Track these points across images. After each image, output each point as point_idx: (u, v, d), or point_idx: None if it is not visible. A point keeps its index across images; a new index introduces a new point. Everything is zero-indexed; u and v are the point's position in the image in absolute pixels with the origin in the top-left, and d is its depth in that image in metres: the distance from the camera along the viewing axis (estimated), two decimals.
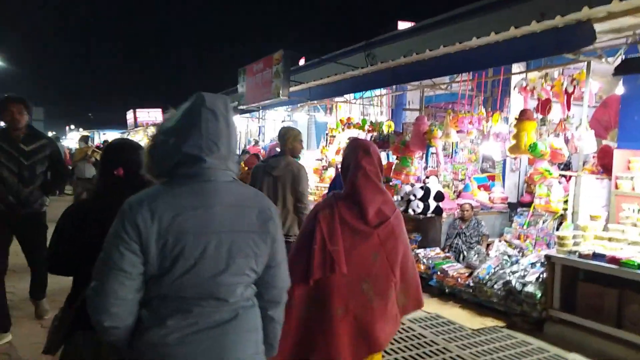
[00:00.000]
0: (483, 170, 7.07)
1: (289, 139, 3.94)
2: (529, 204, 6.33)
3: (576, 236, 4.23)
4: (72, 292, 1.91)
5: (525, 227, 6.10)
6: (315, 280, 2.13)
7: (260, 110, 10.69)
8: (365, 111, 9.66)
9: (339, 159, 8.16)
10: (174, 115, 1.49)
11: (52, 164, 3.96)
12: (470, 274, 5.06)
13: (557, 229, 5.79)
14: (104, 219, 1.60)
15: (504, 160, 6.88)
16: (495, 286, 4.68)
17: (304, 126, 12.40)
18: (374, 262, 2.19)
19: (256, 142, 12.62)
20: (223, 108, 1.46)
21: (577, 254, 4.06)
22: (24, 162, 3.78)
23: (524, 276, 4.55)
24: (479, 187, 6.72)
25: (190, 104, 1.46)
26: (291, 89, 8.07)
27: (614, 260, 3.77)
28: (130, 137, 24.19)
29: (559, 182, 4.82)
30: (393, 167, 6.25)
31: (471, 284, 4.94)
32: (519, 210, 6.60)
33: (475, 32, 5.03)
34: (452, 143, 6.29)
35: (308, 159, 7.83)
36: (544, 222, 5.98)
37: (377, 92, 8.88)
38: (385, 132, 6.73)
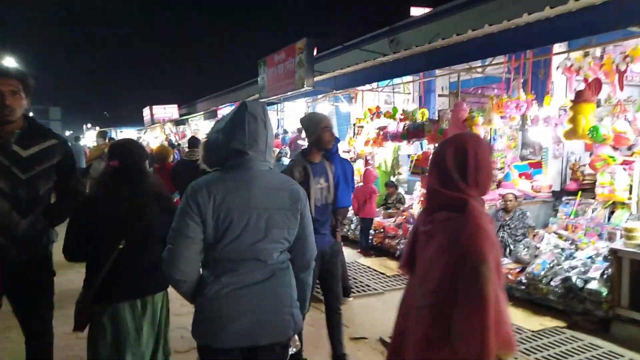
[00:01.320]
0: (523, 158, 6.67)
1: (311, 127, 3.19)
2: (574, 192, 5.95)
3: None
4: (87, 276, 2.23)
5: (572, 216, 5.73)
6: None
7: (280, 103, 10.36)
8: (390, 99, 9.29)
9: (368, 150, 7.83)
10: (225, 117, 1.89)
11: (62, 178, 2.55)
12: (523, 270, 4.72)
13: (609, 219, 5.44)
14: (106, 211, 2.17)
15: (546, 147, 6.47)
16: (552, 283, 4.34)
17: (332, 115, 12.08)
18: (430, 265, 1.78)
19: (276, 135, 12.34)
20: (262, 112, 1.85)
21: None
22: (19, 175, 2.36)
23: (585, 272, 4.19)
24: (520, 176, 6.34)
25: (236, 109, 1.84)
26: (315, 79, 7.74)
27: None
28: (148, 134, 23.93)
29: (624, 169, 4.43)
30: (430, 157, 5.89)
31: (524, 281, 4.60)
32: (564, 199, 6.21)
33: (510, 13, 4.65)
34: (491, 130, 5.90)
35: None
36: (593, 211, 5.59)
37: (404, 78, 8.49)
38: (419, 120, 6.36)
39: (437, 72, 7.76)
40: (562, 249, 4.81)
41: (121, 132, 33.16)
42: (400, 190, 7.92)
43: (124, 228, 2.17)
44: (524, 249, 5.02)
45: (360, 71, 7.43)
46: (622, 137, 4.01)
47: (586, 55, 4.96)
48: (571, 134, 4.29)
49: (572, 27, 4.04)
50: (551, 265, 4.48)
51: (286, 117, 14.32)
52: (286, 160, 8.43)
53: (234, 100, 12.73)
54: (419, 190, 8.02)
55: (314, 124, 3.19)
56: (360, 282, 5.46)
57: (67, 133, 34.84)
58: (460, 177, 1.66)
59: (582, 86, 5.04)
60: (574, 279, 4.15)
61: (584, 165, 6.06)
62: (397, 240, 6.43)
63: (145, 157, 2.42)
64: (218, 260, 1.77)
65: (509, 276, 4.73)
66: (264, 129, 1.84)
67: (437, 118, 6.05)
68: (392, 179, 8.25)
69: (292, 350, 1.97)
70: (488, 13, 7.08)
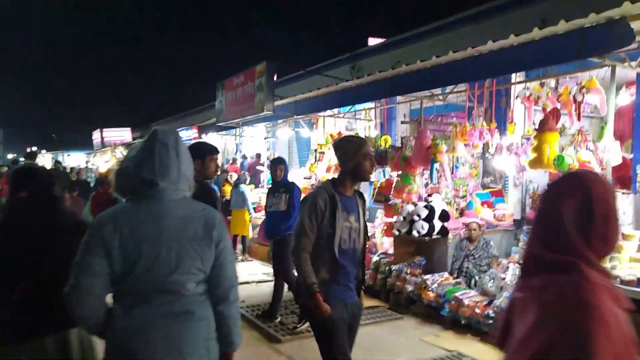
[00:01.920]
0: (484, 186, 6.65)
1: (348, 153, 2.61)
2: None
3: (612, 258, 3.79)
4: None
5: None
6: None
7: (239, 127, 10.06)
8: (350, 126, 9.20)
9: (329, 176, 7.62)
10: (137, 146, 1.88)
11: None
12: (490, 303, 4.55)
13: None
14: (14, 234, 2.05)
15: (507, 175, 6.49)
16: None
17: (285, 143, 11.85)
18: (519, 348, 1.28)
19: (234, 160, 11.96)
20: (173, 141, 1.83)
21: (617, 279, 3.61)
22: None
23: None
24: (482, 204, 6.29)
25: (147, 138, 1.83)
26: (275, 103, 7.52)
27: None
28: (97, 158, 22.85)
29: None
30: (394, 185, 5.74)
31: (491, 315, 4.43)
32: (525, 227, 6.20)
33: (474, 40, 4.65)
34: (454, 157, 5.85)
35: (295, 178, 7.24)
36: None
37: (366, 105, 8.43)
38: (381, 147, 6.23)
39: (399, 99, 7.75)
40: None
41: (69, 155, 31.53)
42: None
43: (34, 262, 2.04)
44: (489, 280, 4.88)
45: (322, 96, 7.30)
46: (586, 167, 3.99)
47: (542, 85, 5.01)
48: (536, 163, 4.24)
49: (535, 55, 4.04)
50: None
51: (245, 141, 13.99)
52: (245, 188, 8.06)
53: (191, 124, 12.30)
54: (380, 218, 7.88)
55: (352, 150, 2.60)
56: None
57: (10, 156, 32.74)
58: (581, 237, 1.20)
59: (539, 116, 5.10)
60: None
61: None
62: None
63: (54, 183, 2.30)
64: (128, 293, 1.73)
65: (476, 309, 4.55)
66: (177, 158, 1.81)
67: (400, 145, 5.93)
68: None
69: None
70: (452, 41, 7.18)
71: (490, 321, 4.40)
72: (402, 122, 6.73)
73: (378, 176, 8.25)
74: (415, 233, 5.50)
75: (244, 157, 12.83)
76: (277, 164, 5.02)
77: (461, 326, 4.67)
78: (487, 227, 5.88)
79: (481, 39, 4.33)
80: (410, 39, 8.22)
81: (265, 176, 10.84)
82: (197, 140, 7.12)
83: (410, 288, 5.36)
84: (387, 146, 6.13)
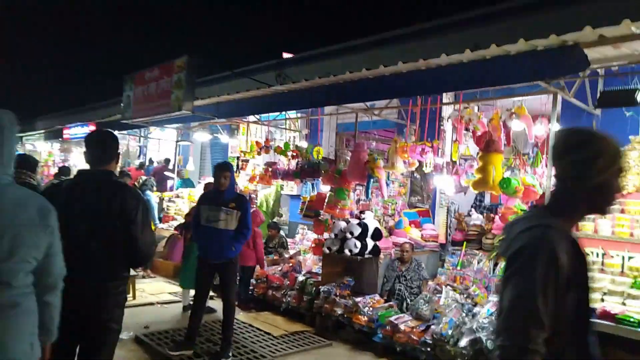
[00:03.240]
0: (411, 205, 6.56)
1: (602, 161, 1.39)
2: (460, 243, 5.94)
3: None
4: None
5: (459, 267, 5.66)
6: None
7: (144, 128, 9.05)
8: (272, 135, 8.72)
9: (252, 187, 7.03)
10: None
11: None
12: (427, 328, 4.31)
13: (494, 270, 5.47)
14: None
15: (434, 195, 6.46)
16: (460, 344, 3.99)
17: (199, 148, 10.99)
18: None
19: (141, 165, 10.77)
20: (7, 122, 1.77)
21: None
22: None
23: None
24: (409, 224, 6.16)
25: None
26: (195, 103, 6.78)
27: (606, 315, 3.30)
28: None
29: None
30: (326, 200, 5.36)
31: (429, 341, 4.19)
32: (450, 249, 6.19)
33: (408, 57, 4.54)
34: (389, 174, 5.65)
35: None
36: (479, 262, 5.59)
37: (291, 114, 8.03)
38: (313, 158, 5.83)
39: (328, 110, 7.47)
40: (462, 304, 4.56)
41: None
42: (282, 233, 7.24)
43: None
44: (424, 304, 4.67)
45: (246, 100, 6.75)
46: (531, 191, 3.95)
47: (466, 108, 5.02)
48: (480, 184, 4.13)
49: (485, 75, 3.95)
50: (457, 323, 4.16)
51: (150, 145, 12.80)
52: (151, 195, 7.15)
53: (88, 120, 10.88)
54: (301, 234, 7.45)
55: (610, 157, 1.41)
56: (243, 345, 4.52)
57: None
58: None
59: (469, 138, 5.09)
60: (484, 340, 3.85)
61: (468, 215, 6.15)
62: (282, 292, 5.65)
63: None
64: None
65: (412, 335, 4.29)
66: (8, 141, 1.76)
67: (333, 157, 5.59)
68: (274, 220, 7.55)
69: None
70: (384, 57, 7.08)
71: (428, 349, 4.15)
72: (338, 134, 6.39)
73: (301, 189, 7.86)
74: (347, 252, 5.15)
75: (151, 161, 11.67)
76: (223, 171, 4.12)
77: (396, 353, 4.37)
78: (416, 248, 5.75)
79: (418, 55, 4.17)
80: (341, 51, 8.00)
81: (173, 184, 9.88)
82: None
83: (339, 311, 4.97)
84: (319, 158, 5.75)
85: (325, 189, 6.31)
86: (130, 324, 5.00)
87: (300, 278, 5.62)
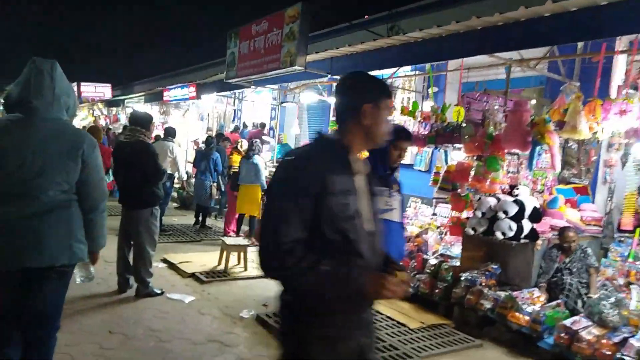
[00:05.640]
0: (562, 180, 5.42)
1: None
2: (631, 230, 4.79)
3: None
4: None
5: (631, 259, 4.54)
6: None
7: (251, 87, 8.55)
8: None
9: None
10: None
11: None
12: (624, 341, 3.34)
13: None
14: None
15: (596, 169, 5.28)
16: None
17: (294, 112, 10.37)
18: None
19: (237, 129, 10.43)
20: (49, 68, 2.22)
21: None
22: None
23: None
24: (565, 203, 5.08)
25: (28, 65, 2.21)
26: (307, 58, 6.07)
27: None
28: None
29: None
30: (474, 170, 4.44)
31: (627, 359, 3.23)
32: (616, 236, 5.04)
33: None
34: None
35: None
36: None
37: (405, 71, 7.06)
38: (451, 120, 4.89)
39: (452, 65, 6.42)
40: None
41: None
42: None
43: None
44: (610, 307, 3.67)
45: (359, 54, 5.93)
46: None
47: None
48: None
49: None
50: None
51: (244, 107, 12.45)
52: (259, 159, 6.65)
53: (190, 81, 10.65)
54: (413, 208, 6.60)
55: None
56: (381, 338, 3.85)
57: None
58: None
59: None
60: None
61: None
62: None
63: None
64: None
65: (602, 349, 3.34)
66: (51, 83, 2.18)
67: (480, 120, 4.61)
68: None
69: (80, 280, 2.46)
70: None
71: None
72: (485, 91, 5.31)
73: (421, 159, 6.98)
74: (498, 234, 4.24)
75: (245, 125, 11.31)
76: (405, 141, 3.00)
77: None
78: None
79: None
80: None
81: (271, 149, 9.39)
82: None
83: (488, 305, 4.12)
84: (460, 120, 4.79)
85: (457, 157, 5.37)
86: (249, 300, 4.55)
87: (433, 261, 4.82)
